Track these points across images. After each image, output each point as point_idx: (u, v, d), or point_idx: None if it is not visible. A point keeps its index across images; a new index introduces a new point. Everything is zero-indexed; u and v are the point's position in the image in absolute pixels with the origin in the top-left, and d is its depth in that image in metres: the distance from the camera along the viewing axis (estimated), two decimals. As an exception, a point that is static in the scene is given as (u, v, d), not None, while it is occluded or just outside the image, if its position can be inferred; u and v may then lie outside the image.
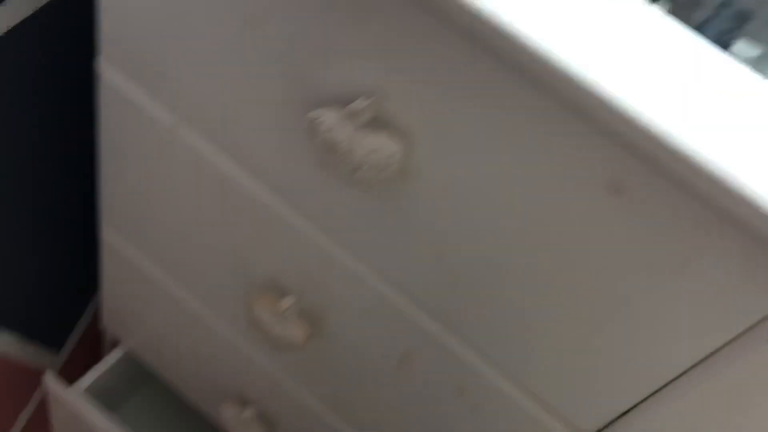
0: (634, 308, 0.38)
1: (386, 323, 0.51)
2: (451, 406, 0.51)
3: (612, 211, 0.35)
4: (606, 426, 0.46)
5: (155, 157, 0.55)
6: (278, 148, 0.46)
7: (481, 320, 0.45)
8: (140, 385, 0.91)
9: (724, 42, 0.41)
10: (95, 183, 0.63)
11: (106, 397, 0.82)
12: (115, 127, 0.56)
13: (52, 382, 0.78)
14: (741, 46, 0.40)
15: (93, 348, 0.97)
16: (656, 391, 0.42)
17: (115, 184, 0.62)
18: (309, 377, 0.61)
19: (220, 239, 0.57)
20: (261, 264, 0.55)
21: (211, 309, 0.64)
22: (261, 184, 0.50)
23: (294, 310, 0.55)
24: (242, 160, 0.50)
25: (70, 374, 0.83)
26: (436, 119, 0.38)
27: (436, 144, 0.39)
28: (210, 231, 0.57)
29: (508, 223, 0.39)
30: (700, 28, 0.43)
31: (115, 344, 0.85)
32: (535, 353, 0.44)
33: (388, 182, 0.40)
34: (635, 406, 0.44)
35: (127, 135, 0.56)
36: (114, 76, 0.52)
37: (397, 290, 0.48)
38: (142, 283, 0.69)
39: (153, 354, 0.79)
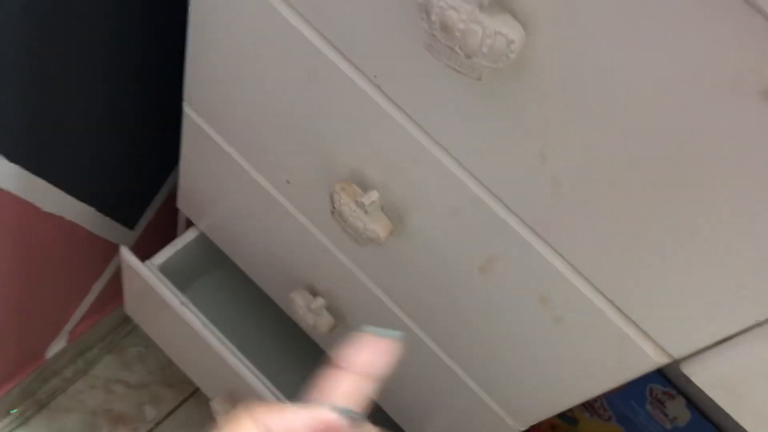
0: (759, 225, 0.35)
1: (473, 226, 0.49)
2: (533, 315, 0.50)
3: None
4: (695, 353, 0.44)
5: (245, 32, 0.53)
6: (383, 27, 0.43)
7: (579, 231, 0.43)
8: (211, 267, 0.93)
9: None
10: (181, 61, 0.62)
11: (178, 275, 0.83)
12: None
13: (127, 256, 0.80)
14: None
15: (167, 227, 0.99)
16: (757, 325, 0.40)
17: (201, 61, 0.60)
18: (385, 274, 0.61)
19: (306, 125, 0.55)
20: (348, 154, 0.54)
21: (290, 197, 0.64)
22: (358, 69, 0.47)
23: (377, 205, 0.53)
24: (340, 41, 0.47)
25: (143, 251, 0.85)
26: (566, 6, 0.35)
27: (559, 35, 0.36)
28: (297, 115, 0.55)
29: (632, 125, 0.36)
30: None
31: (189, 224, 0.86)
32: (633, 268, 0.42)
33: (500, 74, 0.38)
34: (731, 337, 0.41)
35: (219, 8, 0.53)
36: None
37: (489, 193, 0.46)
38: (221, 165, 0.68)
39: (226, 237, 0.80)
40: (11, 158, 0.66)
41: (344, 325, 0.71)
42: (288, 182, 0.62)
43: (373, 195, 0.53)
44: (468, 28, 0.35)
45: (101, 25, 0.63)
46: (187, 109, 0.66)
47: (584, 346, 0.48)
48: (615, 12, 0.33)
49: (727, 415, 0.45)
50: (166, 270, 0.82)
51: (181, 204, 0.82)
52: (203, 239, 0.84)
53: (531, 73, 0.38)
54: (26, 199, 0.72)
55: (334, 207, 0.55)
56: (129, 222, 0.94)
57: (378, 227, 0.53)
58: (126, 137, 0.79)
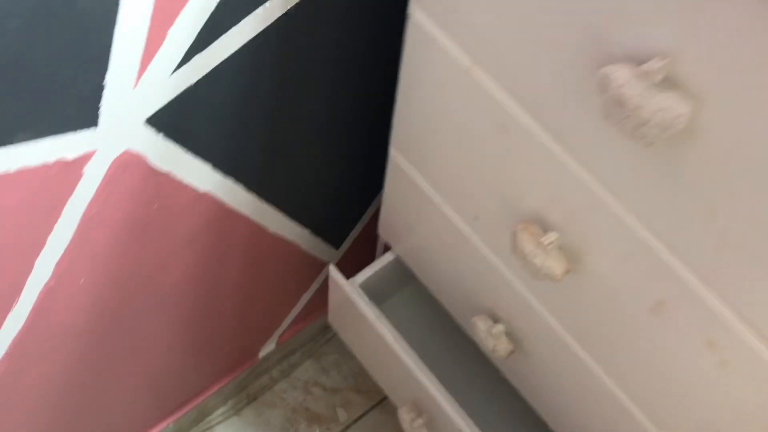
0: None
1: (643, 270, 0.54)
2: (699, 357, 0.53)
3: None
4: None
5: (448, 92, 0.62)
6: (565, 97, 0.50)
7: (747, 281, 0.46)
8: (404, 287, 1.03)
9: None
10: (391, 107, 0.72)
11: (375, 292, 0.94)
12: (416, 62, 0.63)
13: (334, 273, 0.92)
14: None
15: (366, 248, 1.11)
16: None
17: (408, 112, 0.70)
18: (560, 308, 0.66)
19: (495, 172, 0.63)
20: (530, 199, 0.61)
21: (478, 231, 0.71)
22: (543, 127, 0.54)
23: (555, 245, 0.59)
24: (528, 105, 0.54)
25: (345, 267, 0.96)
26: (730, 84, 0.39)
27: (725, 108, 0.40)
28: (487, 163, 0.63)
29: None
30: None
31: (386, 248, 0.97)
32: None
33: (670, 140, 0.43)
34: None
35: (426, 70, 0.63)
36: (421, 18, 0.59)
37: (660, 240, 0.51)
38: (418, 199, 0.77)
39: (419, 262, 0.89)
40: (248, 187, 0.80)
41: (522, 352, 0.77)
42: (476, 218, 0.70)
43: (552, 236, 0.59)
44: (640, 104, 0.41)
45: (327, 84, 0.75)
46: (393, 151, 0.77)
47: (749, 392, 0.51)
48: (775, 92, 0.37)
49: None
50: (365, 287, 0.93)
51: (382, 230, 0.93)
52: (398, 262, 0.94)
53: (699, 140, 0.42)
54: (257, 222, 0.86)
55: (516, 244, 0.61)
56: (336, 243, 1.07)
57: (555, 265, 0.59)
58: (338, 171, 0.92)
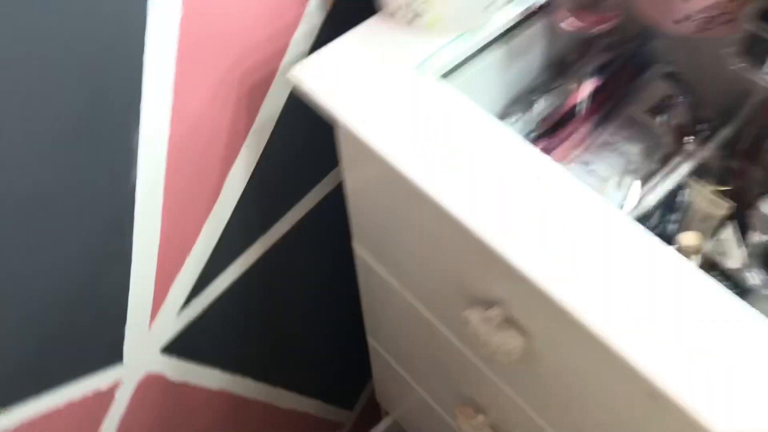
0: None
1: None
2: None
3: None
4: None
5: (392, 304, 0.78)
6: (453, 321, 0.66)
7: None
8: None
9: None
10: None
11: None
12: (367, 282, 0.81)
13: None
14: None
15: (375, 410, 1.25)
16: None
17: (373, 313, 0.86)
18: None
19: (433, 356, 0.78)
20: (458, 389, 0.75)
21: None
22: (448, 331, 0.70)
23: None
24: (439, 318, 0.70)
25: (360, 427, 1.10)
26: (546, 325, 0.54)
27: (547, 340, 0.55)
28: (426, 355, 0.78)
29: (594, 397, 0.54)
30: None
31: (387, 412, 1.11)
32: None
33: (515, 363, 0.58)
34: None
35: (374, 289, 0.80)
36: (365, 254, 0.77)
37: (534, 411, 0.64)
38: (398, 378, 0.93)
39: (412, 424, 1.03)
40: (256, 378, 0.96)
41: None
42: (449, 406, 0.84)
43: (482, 418, 0.73)
44: (487, 340, 0.56)
45: (307, 293, 0.93)
46: (370, 341, 0.93)
47: None
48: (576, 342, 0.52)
49: None
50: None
51: (379, 398, 1.07)
52: (397, 424, 1.08)
53: (535, 361, 0.57)
54: (269, 402, 1.02)
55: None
56: (349, 405, 1.22)
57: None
58: (336, 349, 1.08)
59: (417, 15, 0.59)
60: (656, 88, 0.74)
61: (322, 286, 0.95)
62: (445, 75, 0.61)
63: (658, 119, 0.71)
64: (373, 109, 0.56)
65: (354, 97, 0.57)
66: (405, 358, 0.88)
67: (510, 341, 0.56)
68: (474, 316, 0.57)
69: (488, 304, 0.57)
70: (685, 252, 0.58)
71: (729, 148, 0.67)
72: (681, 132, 0.71)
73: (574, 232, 0.48)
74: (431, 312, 0.71)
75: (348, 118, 0.55)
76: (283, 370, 1.00)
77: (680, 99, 0.72)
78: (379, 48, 0.60)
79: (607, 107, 0.73)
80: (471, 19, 0.60)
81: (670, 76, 0.74)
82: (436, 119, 0.55)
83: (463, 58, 0.61)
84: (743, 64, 0.57)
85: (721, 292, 0.45)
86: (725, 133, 0.68)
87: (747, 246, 0.60)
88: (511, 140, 0.53)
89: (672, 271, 0.46)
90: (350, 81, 0.58)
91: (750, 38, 0.55)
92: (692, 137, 0.68)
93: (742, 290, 0.57)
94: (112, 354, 0.74)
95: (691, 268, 0.46)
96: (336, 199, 0.85)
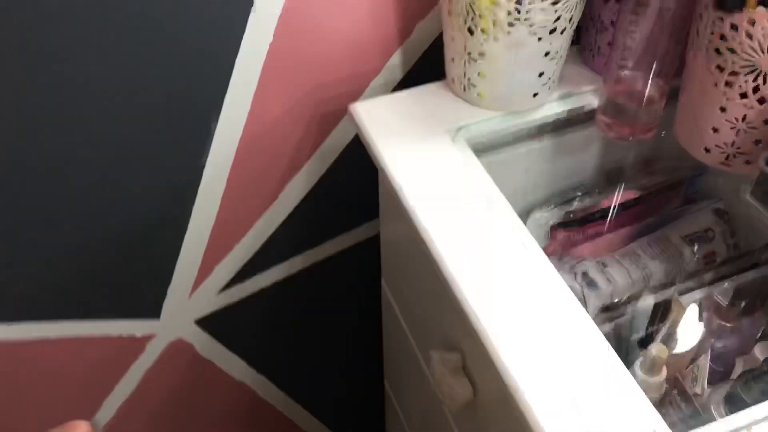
0: None
1: None
2: None
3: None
4: None
5: (402, 351, 0.84)
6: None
7: None
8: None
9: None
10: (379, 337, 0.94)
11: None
12: (388, 328, 0.87)
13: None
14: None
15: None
16: None
17: (390, 358, 0.92)
18: None
19: (420, 406, 0.81)
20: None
21: None
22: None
23: None
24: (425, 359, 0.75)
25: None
26: (491, 381, 0.58)
27: (491, 394, 0.58)
28: (418, 406, 0.82)
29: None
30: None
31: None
32: None
33: (463, 407, 0.61)
34: None
35: (390, 332, 0.85)
36: (387, 292, 0.83)
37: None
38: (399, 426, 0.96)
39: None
40: (279, 385, 1.04)
41: None
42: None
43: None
44: (440, 381, 0.60)
45: (332, 320, 1.00)
46: (387, 383, 0.97)
47: None
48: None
49: None
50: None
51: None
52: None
53: (481, 410, 0.60)
54: (287, 416, 1.09)
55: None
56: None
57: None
58: (353, 397, 1.13)
59: (472, 85, 0.67)
60: (701, 220, 0.75)
61: (350, 318, 1.01)
62: (484, 149, 0.67)
63: (691, 248, 0.73)
64: (404, 158, 0.62)
65: (392, 143, 0.64)
66: (406, 408, 0.92)
67: (459, 388, 0.60)
68: (436, 354, 0.62)
69: (451, 347, 0.62)
70: (652, 362, 0.59)
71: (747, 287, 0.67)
72: (711, 260, 0.73)
73: (540, 322, 0.50)
74: (422, 354, 0.76)
75: (385, 159, 0.62)
76: (303, 387, 1.07)
77: (719, 232, 0.74)
78: (431, 107, 0.68)
79: (647, 222, 0.76)
80: (519, 102, 0.67)
81: (717, 212, 0.76)
82: (454, 188, 0.60)
83: (502, 135, 0.68)
84: (757, 203, 0.59)
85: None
86: (750, 276, 0.68)
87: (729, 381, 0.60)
88: (509, 220, 0.58)
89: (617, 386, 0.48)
90: (394, 129, 0.65)
91: (763, 179, 0.58)
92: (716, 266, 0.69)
93: (697, 415, 0.58)
94: (152, 309, 0.84)
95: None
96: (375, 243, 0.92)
